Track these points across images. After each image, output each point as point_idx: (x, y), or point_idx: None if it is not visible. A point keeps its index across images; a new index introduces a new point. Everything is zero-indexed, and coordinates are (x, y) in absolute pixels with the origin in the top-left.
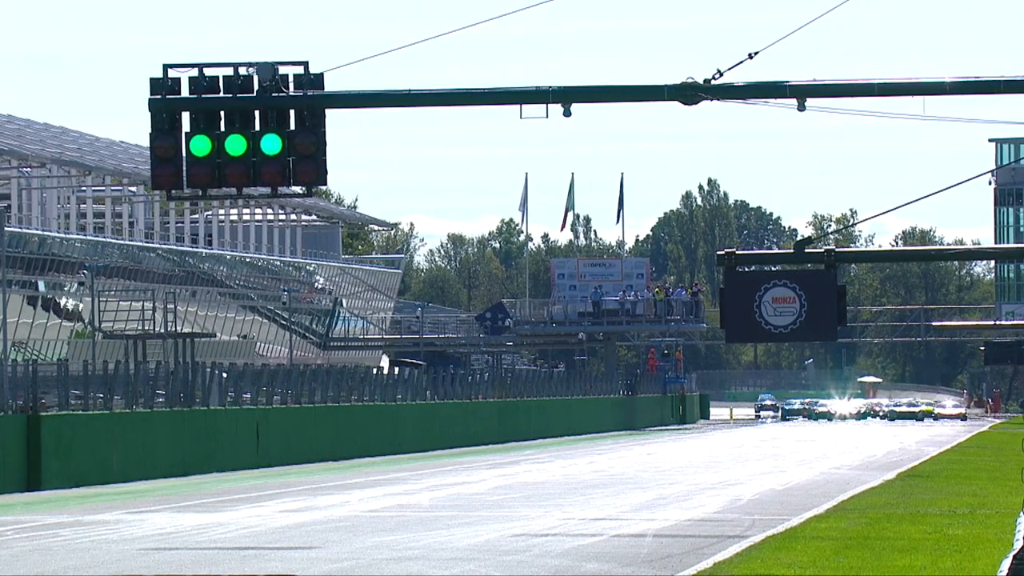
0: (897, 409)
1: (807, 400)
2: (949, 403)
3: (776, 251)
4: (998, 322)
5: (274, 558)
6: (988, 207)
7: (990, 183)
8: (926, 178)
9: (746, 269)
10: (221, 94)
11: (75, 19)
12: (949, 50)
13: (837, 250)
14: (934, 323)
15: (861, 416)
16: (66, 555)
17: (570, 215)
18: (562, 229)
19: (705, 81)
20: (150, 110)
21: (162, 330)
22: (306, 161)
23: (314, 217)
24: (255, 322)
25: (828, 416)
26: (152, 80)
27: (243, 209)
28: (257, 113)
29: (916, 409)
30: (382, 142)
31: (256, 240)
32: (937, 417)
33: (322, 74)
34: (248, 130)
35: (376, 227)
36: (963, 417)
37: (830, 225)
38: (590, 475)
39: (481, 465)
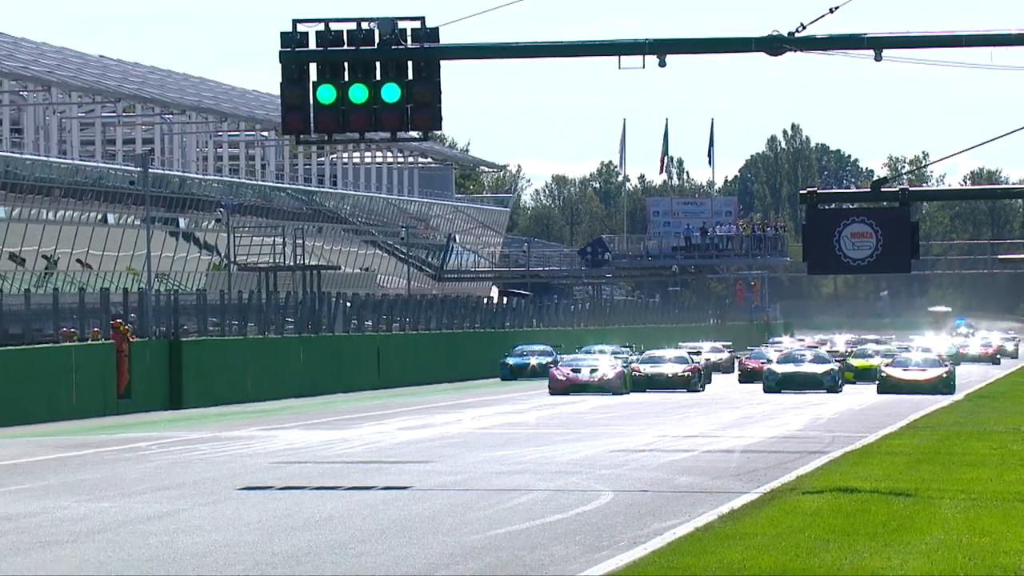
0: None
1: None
2: (995, 336)
3: (854, 190)
4: None
5: (394, 471)
6: None
7: None
8: (994, 123)
9: (827, 207)
10: (345, 47)
11: None
12: (1017, 3)
13: (911, 189)
14: (1000, 256)
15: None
16: (204, 468)
17: (666, 159)
18: (660, 172)
19: (789, 34)
20: (280, 61)
21: (291, 263)
22: (423, 108)
23: (429, 160)
24: (376, 256)
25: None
26: (283, 34)
27: (364, 152)
28: (378, 64)
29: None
30: (493, 91)
31: (377, 181)
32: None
33: (437, 28)
34: (370, 80)
35: (486, 169)
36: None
37: (904, 166)
38: (683, 396)
39: None
